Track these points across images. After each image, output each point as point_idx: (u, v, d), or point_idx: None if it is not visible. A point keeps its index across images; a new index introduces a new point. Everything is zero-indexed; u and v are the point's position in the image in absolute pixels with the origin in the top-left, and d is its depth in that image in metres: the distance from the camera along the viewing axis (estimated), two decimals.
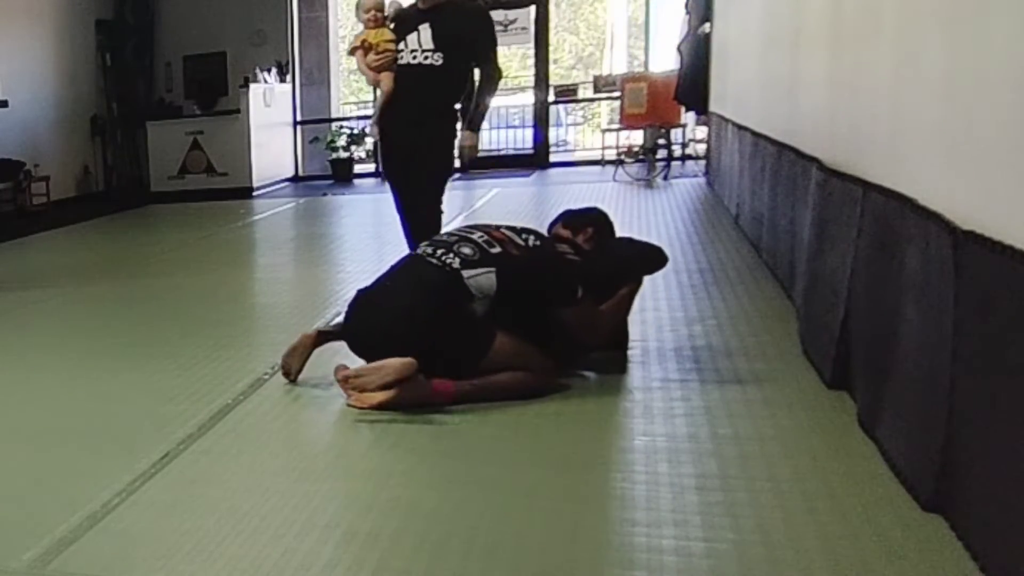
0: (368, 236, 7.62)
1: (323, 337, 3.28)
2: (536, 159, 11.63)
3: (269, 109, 11.04)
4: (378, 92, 4.33)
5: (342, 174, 11.52)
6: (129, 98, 11.27)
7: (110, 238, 8.28)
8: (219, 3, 11.63)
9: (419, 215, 4.27)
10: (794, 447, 2.48)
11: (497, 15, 11.42)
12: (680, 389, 3.01)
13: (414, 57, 4.11)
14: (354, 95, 16.58)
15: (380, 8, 4.17)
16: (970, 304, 1.86)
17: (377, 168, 11.86)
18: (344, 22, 14.25)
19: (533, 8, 11.38)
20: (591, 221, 3.50)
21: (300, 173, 12.01)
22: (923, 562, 1.87)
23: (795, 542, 1.99)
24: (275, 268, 6.16)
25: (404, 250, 4.02)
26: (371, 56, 4.16)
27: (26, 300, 5.30)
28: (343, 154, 11.60)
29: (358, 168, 11.80)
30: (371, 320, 3.10)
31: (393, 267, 3.27)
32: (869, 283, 2.57)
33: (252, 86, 10.69)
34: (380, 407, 2.92)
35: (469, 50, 4.16)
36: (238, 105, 10.66)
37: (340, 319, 3.40)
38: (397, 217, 4.42)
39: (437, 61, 4.11)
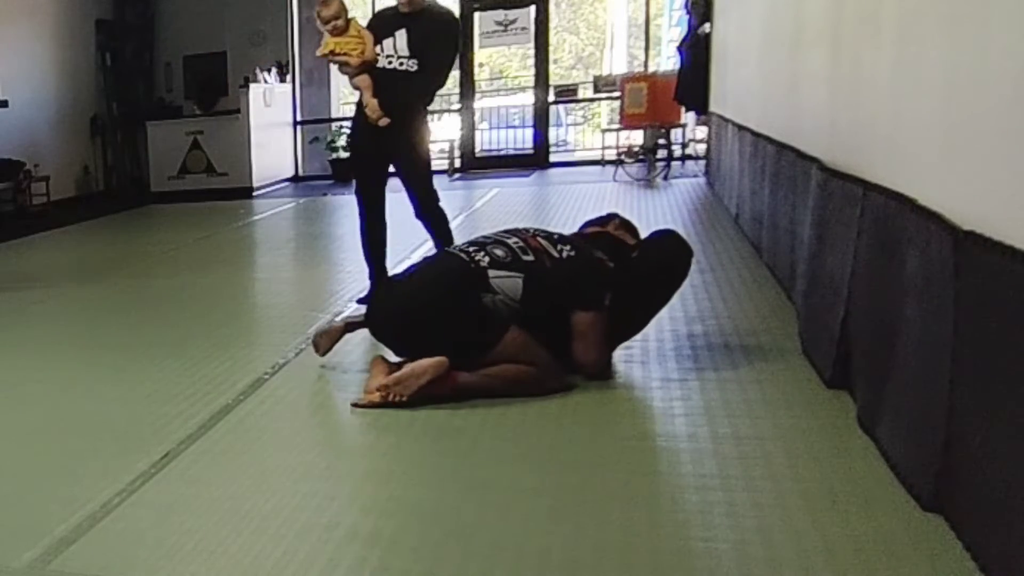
0: None
1: (351, 327, 3.40)
2: (536, 159, 11.63)
3: (269, 109, 11.05)
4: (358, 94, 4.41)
5: (342, 174, 11.50)
6: (129, 98, 11.27)
7: (110, 238, 8.29)
8: (219, 3, 11.63)
9: (427, 207, 4.36)
10: (794, 447, 2.48)
11: (497, 15, 11.46)
12: (680, 388, 3.01)
13: (389, 62, 4.21)
14: (354, 95, 16.58)
15: (339, 16, 4.24)
16: (970, 304, 1.86)
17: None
18: None
19: (533, 8, 11.38)
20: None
21: (300, 173, 12.01)
22: (923, 562, 1.87)
23: (795, 542, 1.99)
24: (275, 268, 6.15)
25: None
26: (347, 67, 4.27)
27: (26, 300, 5.31)
28: (343, 154, 11.60)
29: None
30: (387, 302, 3.26)
31: (425, 259, 3.44)
32: (869, 283, 2.57)
33: (252, 86, 10.70)
34: (382, 406, 2.92)
35: (437, 56, 4.26)
36: (238, 105, 10.68)
37: (364, 310, 3.55)
38: (360, 225, 4.46)
39: (412, 67, 4.20)
